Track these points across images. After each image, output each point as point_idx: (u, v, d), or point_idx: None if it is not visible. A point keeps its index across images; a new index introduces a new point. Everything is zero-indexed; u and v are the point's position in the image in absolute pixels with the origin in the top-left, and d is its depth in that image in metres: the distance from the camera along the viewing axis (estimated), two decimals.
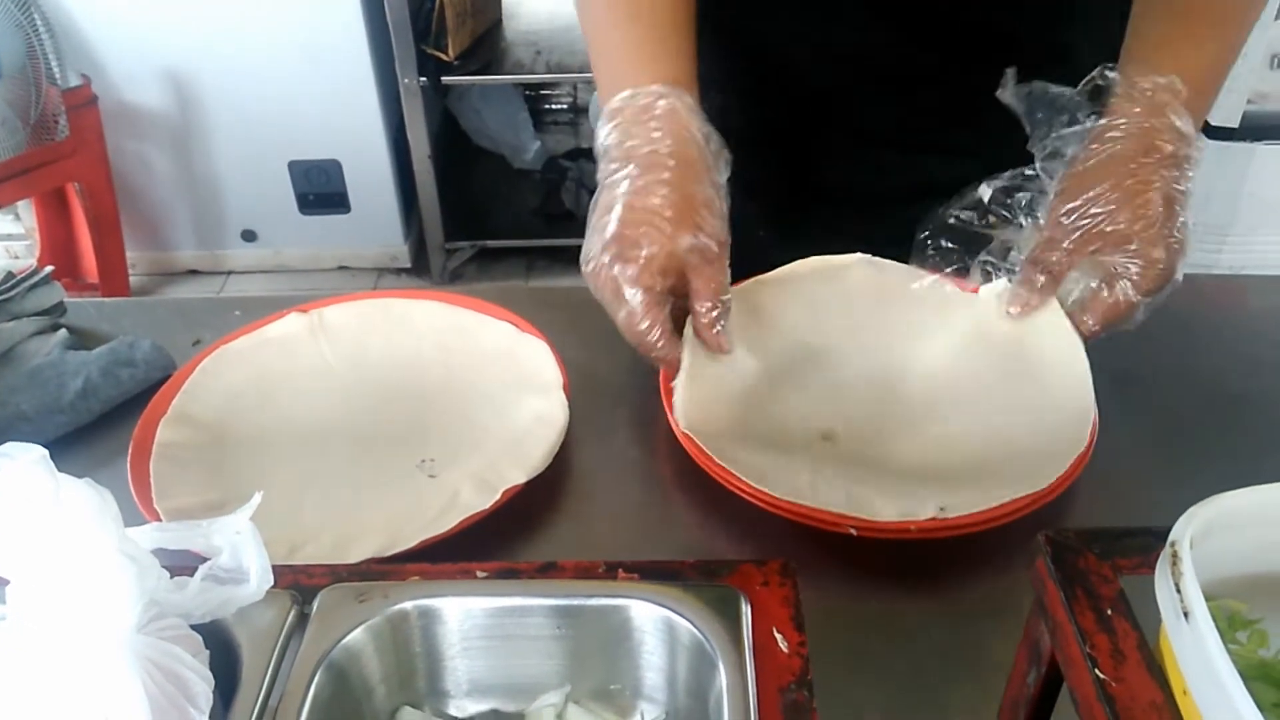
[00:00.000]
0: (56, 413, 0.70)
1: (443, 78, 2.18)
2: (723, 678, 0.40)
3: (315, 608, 0.43)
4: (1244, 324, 0.83)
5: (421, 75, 2.14)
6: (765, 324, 0.75)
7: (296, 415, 0.71)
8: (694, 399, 0.67)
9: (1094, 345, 0.72)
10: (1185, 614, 0.37)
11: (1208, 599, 0.39)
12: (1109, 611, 0.42)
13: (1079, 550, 0.44)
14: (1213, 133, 2.10)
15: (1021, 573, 0.46)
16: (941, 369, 0.73)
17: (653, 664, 0.44)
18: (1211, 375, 0.75)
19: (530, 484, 0.64)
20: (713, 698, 0.41)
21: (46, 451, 0.37)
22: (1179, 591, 0.37)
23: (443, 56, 2.15)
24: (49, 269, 0.81)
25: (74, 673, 0.36)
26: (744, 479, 0.61)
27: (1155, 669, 0.40)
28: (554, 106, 2.72)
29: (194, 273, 2.47)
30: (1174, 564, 0.38)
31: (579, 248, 0.67)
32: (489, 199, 2.50)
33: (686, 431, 0.64)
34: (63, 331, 0.78)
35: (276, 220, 2.39)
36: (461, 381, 0.73)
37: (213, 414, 0.70)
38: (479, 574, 0.44)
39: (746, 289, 0.77)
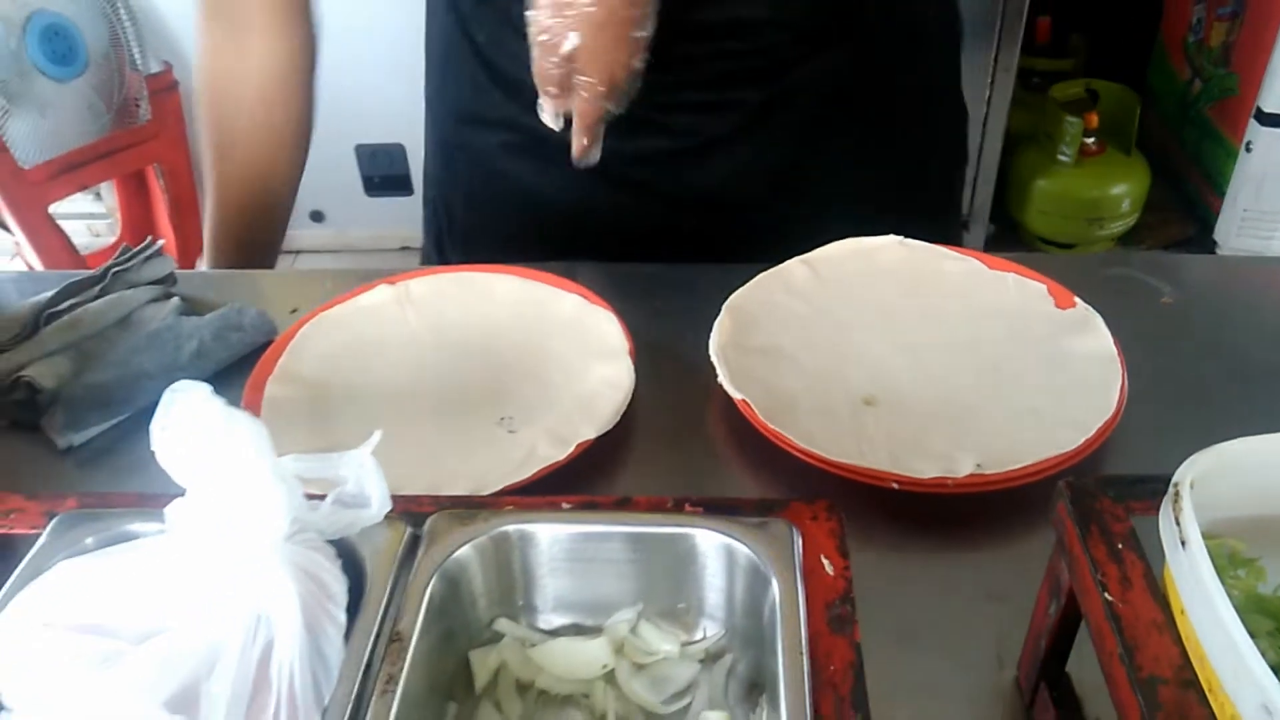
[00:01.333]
0: (176, 371, 0.78)
1: None
2: (776, 594, 0.46)
3: (427, 529, 0.50)
4: (1276, 303, 0.87)
5: None
6: (803, 300, 0.82)
7: (387, 377, 0.79)
8: (740, 368, 0.73)
9: (1126, 320, 0.77)
10: (1183, 543, 0.42)
11: (1209, 539, 0.45)
12: (1120, 546, 0.47)
13: (1095, 494, 0.49)
14: (1266, 120, 2.10)
15: (1049, 527, 0.51)
16: (974, 343, 0.78)
17: (714, 586, 0.50)
18: (1240, 350, 0.80)
19: (600, 440, 0.70)
20: (766, 613, 0.47)
21: (211, 389, 0.44)
22: (1178, 524, 0.43)
23: None
24: (161, 241, 0.89)
25: (236, 573, 0.43)
26: (796, 441, 0.67)
27: (1158, 594, 0.45)
28: None
29: None
30: (1175, 501, 0.44)
31: None
32: None
33: (742, 398, 0.70)
34: (175, 299, 0.86)
35: (343, 202, 2.48)
36: (536, 348, 0.80)
37: (313, 374, 0.78)
38: (564, 506, 0.51)
39: (785, 269, 0.83)
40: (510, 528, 0.49)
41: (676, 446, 0.74)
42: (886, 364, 0.77)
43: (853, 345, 0.79)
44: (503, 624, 0.51)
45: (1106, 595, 0.45)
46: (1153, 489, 0.49)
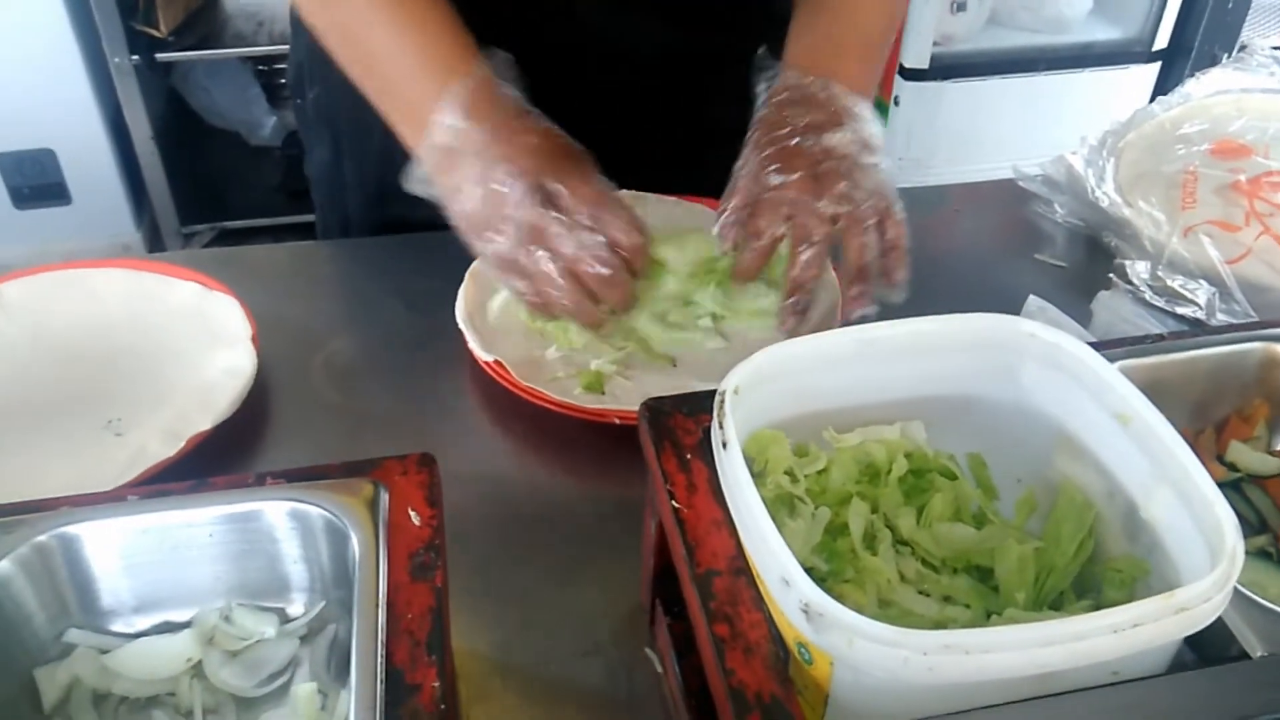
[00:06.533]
0: None
1: (157, 55, 2.08)
2: (356, 552, 0.45)
3: None
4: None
5: (133, 54, 2.04)
6: None
7: None
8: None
9: None
10: (724, 445, 0.45)
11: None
12: (689, 456, 0.49)
13: (670, 412, 0.52)
14: (909, 75, 2.31)
15: None
16: None
17: (302, 556, 0.48)
18: None
19: (223, 431, 0.66)
20: (351, 574, 0.46)
21: None
22: (721, 429, 0.46)
23: (154, 33, 2.06)
24: None
25: None
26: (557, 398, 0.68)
27: (720, 495, 0.48)
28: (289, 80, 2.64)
29: None
30: (720, 408, 0.46)
31: None
32: (226, 179, 2.42)
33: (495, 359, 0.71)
34: None
35: None
36: (149, 341, 0.74)
37: None
38: (130, 498, 0.48)
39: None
40: (48, 535, 0.45)
41: (309, 429, 0.71)
42: None
43: None
44: (74, 634, 0.47)
45: (674, 502, 0.47)
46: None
